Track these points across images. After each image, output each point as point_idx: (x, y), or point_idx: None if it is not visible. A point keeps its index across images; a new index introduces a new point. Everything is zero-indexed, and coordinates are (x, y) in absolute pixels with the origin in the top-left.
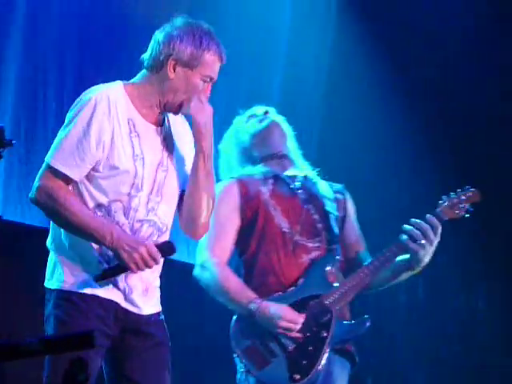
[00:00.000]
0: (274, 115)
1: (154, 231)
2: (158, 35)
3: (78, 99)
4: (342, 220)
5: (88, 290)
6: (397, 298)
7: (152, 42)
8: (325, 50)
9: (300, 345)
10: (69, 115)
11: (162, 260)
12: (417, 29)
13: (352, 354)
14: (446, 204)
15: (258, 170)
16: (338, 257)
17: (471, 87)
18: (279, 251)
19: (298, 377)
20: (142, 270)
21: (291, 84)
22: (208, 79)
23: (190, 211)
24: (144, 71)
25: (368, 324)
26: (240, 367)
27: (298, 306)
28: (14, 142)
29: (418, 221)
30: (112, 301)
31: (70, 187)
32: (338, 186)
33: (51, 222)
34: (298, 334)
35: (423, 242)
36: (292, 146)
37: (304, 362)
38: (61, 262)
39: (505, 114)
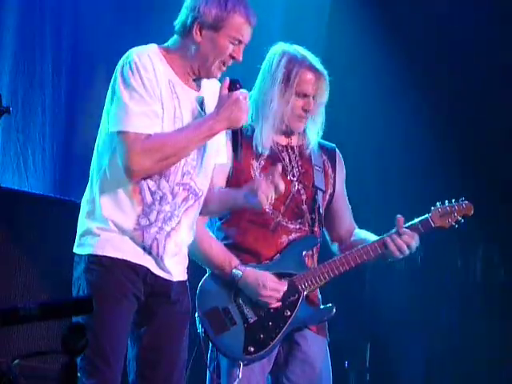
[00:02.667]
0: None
1: (191, 195)
2: (187, 0)
3: (119, 65)
4: (331, 196)
5: (119, 255)
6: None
7: (183, 7)
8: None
9: (261, 318)
10: (116, 83)
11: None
12: None
13: (325, 333)
14: (437, 211)
15: (259, 133)
16: (318, 239)
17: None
18: (258, 231)
19: (252, 349)
20: None
21: None
22: (236, 42)
23: None
24: (176, 37)
25: (333, 313)
26: (198, 328)
27: None
28: (11, 109)
29: (406, 232)
30: (143, 266)
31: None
32: (330, 147)
33: (88, 192)
34: (275, 304)
35: (406, 252)
36: (314, 119)
37: (261, 336)
38: (94, 229)
39: None
